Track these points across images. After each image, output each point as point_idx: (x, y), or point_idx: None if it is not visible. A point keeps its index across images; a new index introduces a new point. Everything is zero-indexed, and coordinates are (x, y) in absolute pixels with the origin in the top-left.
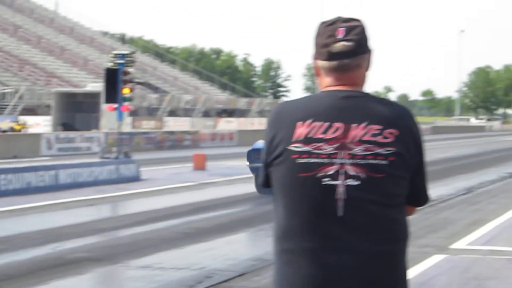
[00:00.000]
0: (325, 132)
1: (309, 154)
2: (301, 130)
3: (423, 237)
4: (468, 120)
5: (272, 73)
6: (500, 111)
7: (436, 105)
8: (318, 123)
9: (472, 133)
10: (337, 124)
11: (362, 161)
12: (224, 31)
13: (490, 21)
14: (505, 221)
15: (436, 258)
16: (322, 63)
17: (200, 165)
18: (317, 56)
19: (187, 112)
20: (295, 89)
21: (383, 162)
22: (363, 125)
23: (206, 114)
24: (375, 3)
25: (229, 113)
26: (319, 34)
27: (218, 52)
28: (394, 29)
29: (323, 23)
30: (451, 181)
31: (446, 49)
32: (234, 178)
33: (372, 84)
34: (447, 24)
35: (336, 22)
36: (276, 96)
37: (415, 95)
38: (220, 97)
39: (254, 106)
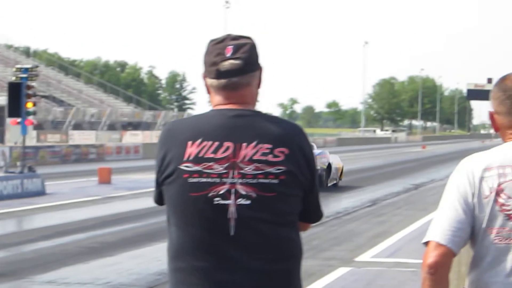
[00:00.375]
0: (215, 151)
1: (199, 173)
2: (191, 149)
3: (328, 249)
4: (374, 131)
5: (177, 86)
6: (405, 122)
7: (341, 116)
8: (208, 143)
9: (378, 144)
10: (227, 144)
11: (253, 181)
12: (129, 43)
13: (394, 32)
14: (410, 233)
15: (341, 271)
16: (211, 81)
17: (105, 179)
18: (206, 74)
19: (92, 125)
20: (201, 101)
21: (274, 181)
22: (253, 144)
23: (111, 127)
24: (282, 15)
25: (134, 126)
26: (207, 52)
27: (123, 65)
28: (298, 41)
29: (212, 41)
30: (357, 193)
31: (351, 61)
32: (139, 191)
33: (278, 96)
34: (351, 36)
35: (224, 40)
36: (181, 108)
37: (320, 106)
38: (125, 110)
39: (160, 119)
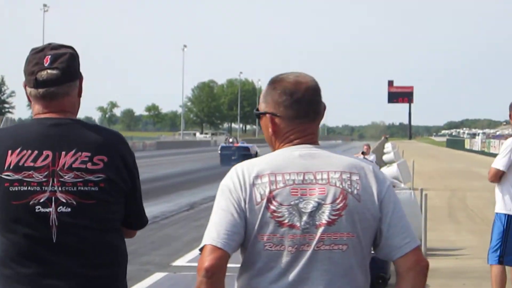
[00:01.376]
0: (35, 160)
1: (20, 182)
2: (12, 158)
3: (145, 254)
4: (194, 134)
5: None
6: (225, 125)
7: (161, 120)
8: (27, 151)
9: (197, 148)
10: (46, 152)
11: (73, 188)
12: None
13: (213, 36)
14: None
15: (157, 276)
16: (30, 90)
17: None
18: (26, 83)
19: None
20: (20, 105)
21: (94, 188)
22: (71, 152)
23: None
24: (102, 18)
25: None
26: (27, 61)
27: None
28: (118, 44)
29: (32, 50)
30: (175, 197)
31: (170, 64)
32: None
33: (97, 100)
34: (170, 39)
35: (44, 49)
36: (0, 112)
37: (140, 110)
38: None
39: None
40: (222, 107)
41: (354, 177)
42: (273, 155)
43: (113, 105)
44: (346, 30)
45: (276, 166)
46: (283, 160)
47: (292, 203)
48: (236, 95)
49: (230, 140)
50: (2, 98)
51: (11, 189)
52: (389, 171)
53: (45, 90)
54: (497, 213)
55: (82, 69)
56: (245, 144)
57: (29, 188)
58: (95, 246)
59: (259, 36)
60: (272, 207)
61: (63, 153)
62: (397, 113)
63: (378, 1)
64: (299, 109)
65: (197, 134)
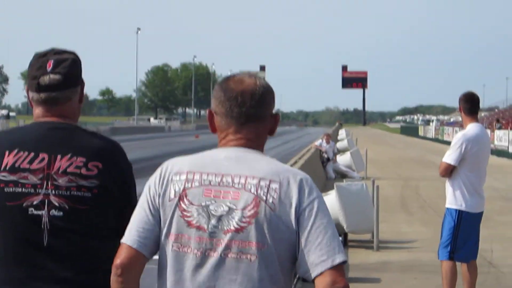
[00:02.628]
0: (30, 162)
1: (15, 183)
2: (8, 159)
3: None
4: (148, 120)
5: None
6: (180, 110)
7: (115, 104)
8: (24, 153)
9: (152, 133)
10: (42, 155)
11: (66, 193)
12: None
13: (167, 19)
14: None
15: None
16: (32, 95)
17: None
18: (29, 87)
19: None
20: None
21: (87, 194)
22: (67, 156)
23: None
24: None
25: None
26: (30, 65)
27: None
28: (70, 29)
29: (36, 54)
30: None
31: (124, 47)
32: None
33: None
34: (124, 23)
35: (47, 54)
36: None
37: (94, 94)
38: None
39: None
40: (177, 92)
41: (273, 185)
42: (201, 154)
43: None
44: (300, 14)
45: (197, 165)
46: (207, 160)
47: (203, 204)
48: (191, 79)
49: None
50: None
51: (6, 190)
52: (342, 159)
53: (47, 95)
54: (448, 208)
55: (30, 50)
56: None
57: (23, 189)
58: (83, 251)
59: (213, 20)
60: (183, 205)
61: (59, 156)
62: (351, 99)
63: None
64: (230, 108)
65: (151, 119)
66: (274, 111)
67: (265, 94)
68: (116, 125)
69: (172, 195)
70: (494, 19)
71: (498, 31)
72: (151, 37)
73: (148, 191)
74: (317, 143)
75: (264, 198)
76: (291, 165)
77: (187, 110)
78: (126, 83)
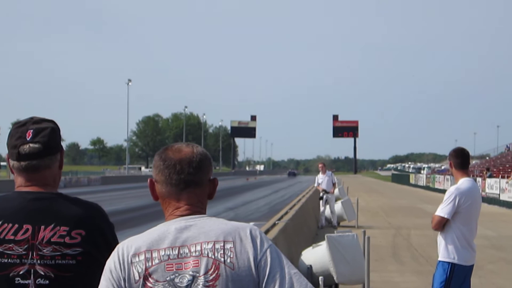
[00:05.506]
0: (15, 233)
1: (1, 254)
2: None
3: None
4: (139, 169)
5: None
6: None
7: (106, 153)
8: (8, 225)
9: (143, 182)
10: (26, 226)
11: (51, 262)
12: None
13: (158, 70)
14: None
15: None
16: (13, 163)
17: None
18: (9, 156)
19: None
20: None
21: (71, 261)
22: (50, 226)
23: None
24: (39, 47)
25: None
26: (10, 135)
27: None
28: (63, 77)
29: (15, 124)
30: (118, 236)
31: (115, 98)
32: None
33: None
34: (115, 74)
35: (26, 124)
36: None
37: (85, 144)
38: None
39: None
40: (167, 141)
41: (228, 245)
42: (151, 231)
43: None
44: (291, 65)
45: (152, 243)
46: (159, 236)
47: (167, 278)
48: (181, 129)
49: None
50: None
51: None
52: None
53: (27, 163)
54: (440, 261)
55: (24, 102)
56: None
57: (9, 260)
58: None
59: (204, 71)
60: (149, 284)
61: (42, 227)
62: (342, 147)
63: (322, 35)
64: (169, 175)
65: (143, 168)
66: (264, 159)
67: (203, 161)
68: (107, 174)
69: (136, 277)
70: (485, 66)
71: (489, 80)
72: (142, 87)
73: (110, 275)
74: (315, 184)
75: (222, 259)
76: (282, 216)
77: None
78: (117, 133)
